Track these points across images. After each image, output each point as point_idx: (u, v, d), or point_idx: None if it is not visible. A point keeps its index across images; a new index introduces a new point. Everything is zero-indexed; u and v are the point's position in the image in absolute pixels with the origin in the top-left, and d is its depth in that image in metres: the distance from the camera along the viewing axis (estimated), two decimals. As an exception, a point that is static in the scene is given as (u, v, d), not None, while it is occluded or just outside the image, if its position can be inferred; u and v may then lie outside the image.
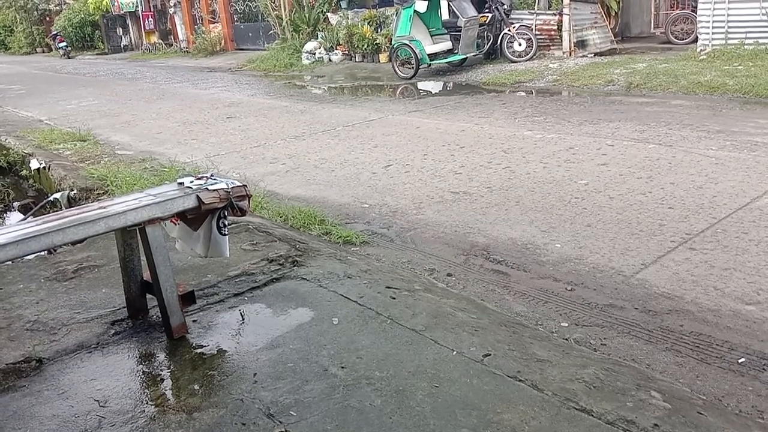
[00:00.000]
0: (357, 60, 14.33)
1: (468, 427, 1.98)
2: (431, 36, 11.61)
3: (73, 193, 5.50)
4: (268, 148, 6.83)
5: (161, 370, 2.48)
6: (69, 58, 26.25)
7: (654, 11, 12.64)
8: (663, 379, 2.40)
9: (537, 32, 11.34)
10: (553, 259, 3.59)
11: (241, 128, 8.08)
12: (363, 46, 14.01)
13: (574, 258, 3.57)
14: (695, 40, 10.21)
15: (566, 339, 2.73)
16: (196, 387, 2.31)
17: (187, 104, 10.50)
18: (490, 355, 2.39)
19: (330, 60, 14.67)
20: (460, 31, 10.98)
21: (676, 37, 11.38)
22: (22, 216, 6.00)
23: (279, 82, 12.86)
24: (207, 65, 17.48)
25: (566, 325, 2.92)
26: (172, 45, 23.69)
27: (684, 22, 11.32)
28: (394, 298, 2.93)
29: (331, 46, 14.87)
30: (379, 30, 14.02)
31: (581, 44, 11.15)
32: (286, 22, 16.26)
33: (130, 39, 26.96)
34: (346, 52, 14.58)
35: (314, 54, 14.92)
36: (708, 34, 9.57)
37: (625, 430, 1.95)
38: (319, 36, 15.33)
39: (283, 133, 7.59)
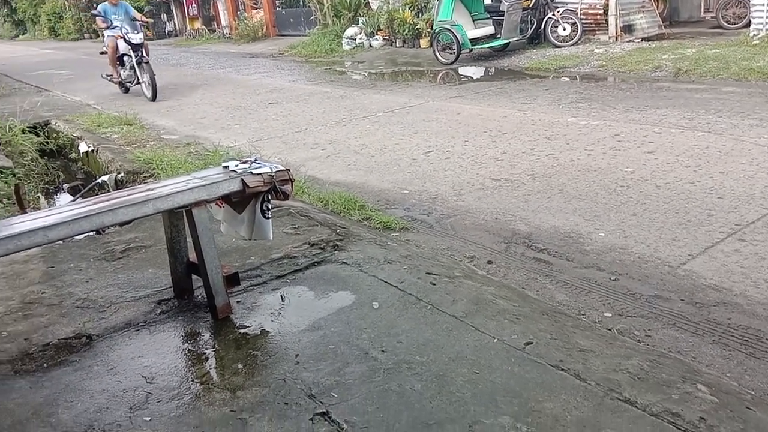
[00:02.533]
0: (397, 45, 14.26)
1: (509, 414, 1.97)
2: (473, 20, 11.47)
3: (120, 175, 5.64)
4: (308, 134, 6.87)
5: (206, 349, 2.54)
6: (115, 43, 26.73)
7: (705, -5, 12.22)
8: (709, 372, 2.34)
9: (582, 16, 11.09)
10: (597, 248, 3.54)
11: (283, 114, 8.14)
12: (403, 31, 13.92)
13: (618, 247, 3.51)
14: (748, 25, 9.84)
15: (609, 329, 2.69)
16: (240, 366, 2.35)
17: (230, 90, 10.62)
18: (531, 343, 2.37)
19: (370, 45, 14.63)
20: (502, 15, 10.81)
21: (727, 22, 10.98)
22: (71, 197, 6.18)
23: (320, 68, 12.90)
24: (249, 51, 17.63)
25: (610, 315, 2.87)
26: (215, 31, 23.97)
27: (736, 6, 10.91)
28: (434, 284, 2.93)
29: (372, 32, 14.83)
30: (420, 15, 13.91)
31: (628, 29, 10.87)
32: (327, 8, 16.27)
33: (175, 25, 27.38)
34: (387, 37, 14.52)
35: (355, 39, 14.90)
36: (762, 18, 9.21)
37: (671, 422, 1.91)
38: (360, 21, 15.30)
39: (324, 118, 7.62)
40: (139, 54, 9.82)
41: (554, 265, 3.41)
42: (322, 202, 4.44)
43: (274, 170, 2.73)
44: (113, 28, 9.99)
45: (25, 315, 2.89)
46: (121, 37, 9.80)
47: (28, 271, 3.38)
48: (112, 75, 10.77)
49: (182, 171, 5.10)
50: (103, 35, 11.11)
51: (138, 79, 10.14)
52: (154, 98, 9.77)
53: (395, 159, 5.62)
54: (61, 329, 2.74)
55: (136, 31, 9.74)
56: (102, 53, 10.82)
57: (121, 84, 10.68)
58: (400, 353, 2.35)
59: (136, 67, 9.96)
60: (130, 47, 9.77)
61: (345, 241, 3.51)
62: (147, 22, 10.52)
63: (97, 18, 10.32)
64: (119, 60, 10.37)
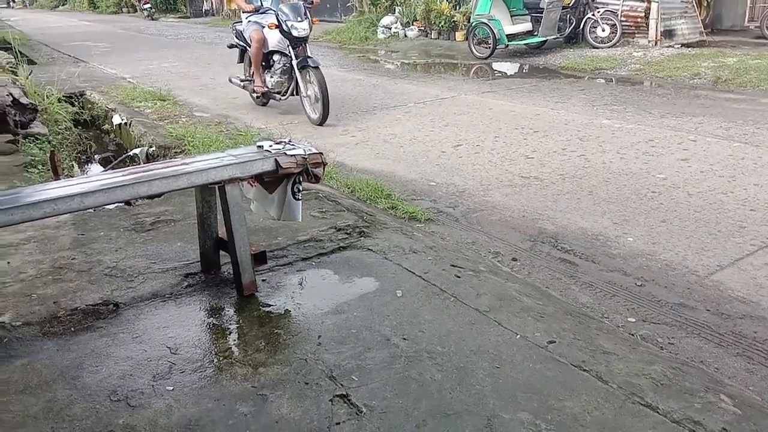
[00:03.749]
0: (432, 37, 14.18)
1: (528, 410, 1.97)
2: (511, 16, 11.36)
3: (152, 149, 5.71)
4: (339, 120, 6.87)
5: (230, 325, 2.57)
6: (152, 19, 27.03)
7: (750, 3, 11.95)
8: (732, 384, 2.32)
9: (622, 18, 10.92)
10: (624, 252, 3.50)
11: (314, 98, 8.15)
12: (440, 22, 13.84)
13: (646, 253, 3.47)
14: (793, 37, 9.62)
15: (633, 334, 2.67)
16: (263, 343, 2.38)
17: (263, 71, 10.65)
18: (554, 342, 2.36)
19: (405, 35, 14.57)
20: (541, 12, 10.69)
21: (772, 32, 10.75)
22: (102, 168, 6.27)
23: (353, 55, 12.89)
24: (283, 34, 17.65)
25: (633, 320, 2.85)
26: (251, 12, 24.01)
27: (783, 17, 10.67)
28: (458, 277, 2.93)
29: (408, 22, 14.76)
30: (457, 7, 13.81)
31: (668, 34, 10.68)
32: (365, -5, 16.18)
33: (212, 4, 27.52)
34: (422, 28, 14.44)
35: (390, 29, 14.85)
36: (809, 30, 8.99)
37: (692, 430, 1.89)
38: (396, 11, 15.23)
39: (355, 106, 7.62)
40: (303, 53, 6.65)
41: (579, 266, 3.39)
42: (349, 188, 4.45)
43: (307, 152, 2.75)
44: (263, 12, 6.79)
45: (54, 279, 2.95)
46: (276, 26, 6.49)
47: (59, 236, 3.45)
48: (251, 81, 7.31)
49: (213, 149, 5.15)
50: (233, 27, 7.74)
51: (295, 90, 6.84)
52: (322, 120, 6.54)
53: (424, 150, 5.61)
54: (89, 295, 2.79)
55: (299, 18, 6.44)
56: (232, 46, 7.72)
57: (264, 95, 7.24)
58: (422, 342, 2.36)
59: (297, 72, 6.63)
60: (288, 42, 6.61)
61: (371, 228, 3.51)
62: (317, 3, 7.01)
63: None
64: (265, 60, 7.07)
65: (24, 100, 5.62)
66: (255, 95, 7.47)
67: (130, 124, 6.66)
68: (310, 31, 6.68)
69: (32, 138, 5.65)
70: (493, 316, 2.55)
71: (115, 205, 3.83)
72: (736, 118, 6.25)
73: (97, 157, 6.78)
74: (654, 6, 10.44)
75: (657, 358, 2.35)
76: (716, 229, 3.72)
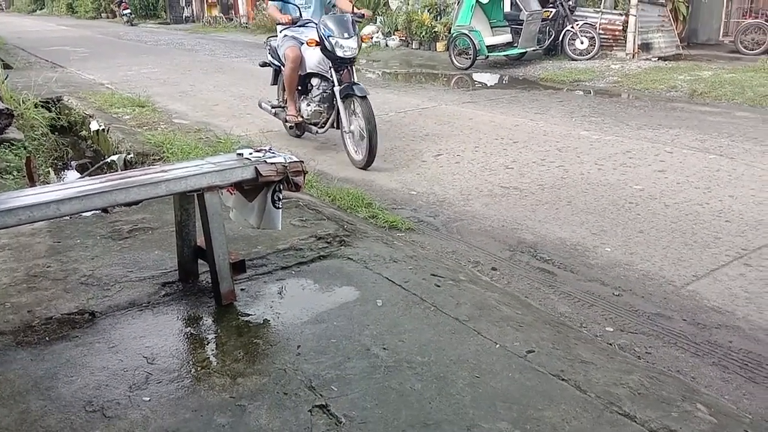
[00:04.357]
0: (414, 47, 14.27)
1: (508, 420, 1.97)
2: (491, 27, 11.48)
3: (129, 156, 5.65)
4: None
5: (208, 334, 2.54)
6: (132, 25, 26.85)
7: (725, 18, 12.22)
8: (708, 393, 2.34)
9: (601, 31, 11.09)
10: (602, 262, 3.54)
11: (295, 106, 8.13)
12: (421, 33, 13.93)
13: (623, 263, 3.51)
14: (766, 51, 9.83)
15: (610, 344, 2.69)
16: (241, 353, 2.36)
17: (244, 79, 10.63)
18: (533, 351, 2.37)
19: (387, 45, 14.64)
20: (521, 24, 10.81)
21: (745, 47, 10.96)
22: (79, 175, 6.20)
23: (334, 64, 12.90)
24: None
25: (611, 330, 2.87)
26: (232, 19, 24.00)
27: (756, 32, 10.89)
28: (438, 286, 2.93)
29: (389, 31, 14.84)
30: (438, 18, 13.91)
31: (646, 47, 10.86)
32: (346, 4, 16.22)
33: (192, 11, 27.42)
34: (404, 38, 14.53)
35: (371, 38, 14.91)
36: (781, 45, 9.20)
37: (668, 440, 1.91)
38: (378, 20, 15.30)
39: (336, 114, 7.61)
40: (348, 77, 5.42)
41: (558, 276, 3.42)
42: (329, 197, 4.45)
43: (287, 161, 2.74)
44: (302, 25, 5.59)
45: (29, 287, 2.90)
46: (316, 43, 5.28)
47: (34, 244, 3.39)
48: (284, 107, 6.10)
49: (192, 156, 5.11)
50: (267, 43, 6.47)
51: (336, 122, 5.59)
52: (367, 163, 5.29)
53: (405, 160, 5.62)
54: (65, 304, 2.74)
55: (346, 34, 5.16)
56: (265, 65, 6.62)
57: (298, 126, 6.09)
58: (402, 352, 2.36)
59: (338, 101, 5.35)
60: (330, 63, 5.34)
61: (351, 237, 3.51)
62: (368, 17, 6.14)
63: (269, 4, 5.79)
64: (302, 83, 5.85)
65: (-1, 105, 5.53)
66: (287, 125, 6.35)
67: (107, 131, 6.59)
68: (359, 51, 5.47)
69: (7, 144, 5.56)
70: (472, 325, 2.56)
71: (92, 212, 3.78)
72: (712, 130, 6.36)
73: (74, 163, 6.70)
74: (632, 19, 10.61)
75: (634, 367, 2.37)
76: (692, 239, 3.78)
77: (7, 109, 5.64)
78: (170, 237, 3.23)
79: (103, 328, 2.56)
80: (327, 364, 2.28)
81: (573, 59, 10.97)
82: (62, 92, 8.66)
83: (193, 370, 2.27)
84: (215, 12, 25.17)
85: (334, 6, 5.80)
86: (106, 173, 4.53)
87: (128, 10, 27.63)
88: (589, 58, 10.86)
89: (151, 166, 3.23)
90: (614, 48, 11.16)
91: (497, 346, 2.41)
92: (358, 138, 5.34)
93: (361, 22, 5.48)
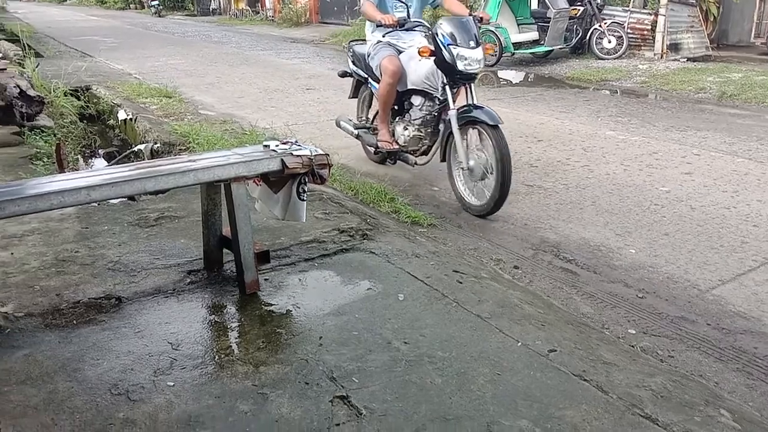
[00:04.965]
0: (439, 43, 14.21)
1: (528, 418, 1.97)
2: (518, 24, 11.39)
3: (156, 146, 5.71)
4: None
5: (232, 322, 2.57)
6: (159, 16, 27.11)
7: (756, 20, 12.00)
8: (732, 399, 2.32)
9: (629, 30, 10.95)
10: (626, 264, 3.51)
11: (319, 100, 8.18)
12: (447, 29, 13.86)
13: (648, 265, 3.48)
14: (799, 54, 9.64)
15: (633, 346, 2.67)
16: (264, 342, 2.38)
17: (269, 72, 10.69)
18: (555, 351, 2.37)
19: (412, 41, 14.59)
20: (548, 22, 10.72)
21: (777, 49, 10.78)
22: (106, 163, 6.28)
23: (359, 58, 12.91)
24: (291, 36, 17.71)
25: (634, 332, 2.85)
26: (258, 13, 24.10)
27: (789, 34, 10.70)
28: (460, 283, 2.93)
29: (415, 27, 14.78)
30: (464, 15, 13.83)
31: (674, 47, 10.71)
32: (373, -1, 16.17)
33: (219, 3, 27.60)
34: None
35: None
36: (815, 48, 9.02)
37: (690, 443, 1.90)
38: (404, 15, 15.25)
39: (360, 108, 7.62)
40: (469, 98, 4.29)
41: (581, 276, 3.40)
42: (352, 191, 4.46)
43: (313, 153, 2.75)
44: (407, 29, 4.45)
45: (58, 271, 2.96)
46: (430, 53, 4.15)
47: (63, 229, 3.46)
48: (371, 129, 5.10)
49: (218, 147, 5.16)
50: (350, 48, 5.24)
51: (443, 153, 4.46)
52: (491, 209, 4.12)
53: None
54: (92, 289, 2.79)
55: (473, 43, 4.08)
56: (345, 75, 5.47)
57: (391, 154, 4.84)
58: (423, 347, 2.36)
59: (454, 129, 4.17)
60: (443, 78, 4.26)
61: (374, 231, 3.52)
62: (487, 20, 4.53)
63: (364, 1, 4.54)
64: (397, 101, 4.75)
65: (31, 93, 5.63)
66: (375, 151, 5.07)
67: (135, 120, 6.67)
68: (483, 64, 4.24)
69: (38, 130, 5.66)
70: (494, 322, 2.56)
71: (119, 200, 3.84)
72: (740, 133, 6.26)
73: (101, 151, 6.80)
74: (661, 19, 10.47)
75: (657, 370, 2.35)
76: (718, 243, 3.73)
77: (39, 96, 5.74)
78: (196, 226, 3.28)
79: (129, 314, 2.60)
80: (348, 355, 2.29)
81: (600, 58, 10.86)
82: (91, 81, 8.79)
83: (216, 357, 2.30)
84: (242, 5, 25.31)
85: (437, 7, 4.89)
86: (132, 162, 4.60)
87: (156, 1, 27.91)
88: (617, 58, 10.74)
89: (179, 156, 3.27)
90: (642, 48, 11.03)
91: (519, 344, 2.40)
92: (479, 177, 4.16)
93: (482, 23, 4.35)
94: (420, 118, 4.59)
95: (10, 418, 1.96)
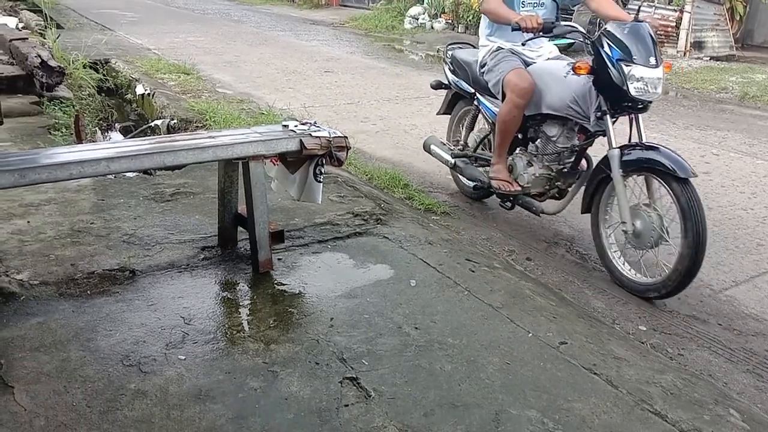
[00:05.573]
0: (459, 30, 14.10)
1: (537, 408, 1.97)
2: (540, 16, 11.25)
3: (173, 122, 5.73)
4: (360, 107, 6.87)
5: (244, 300, 2.59)
6: (180, -8, 27.02)
7: (784, 21, 11.80)
8: (741, 400, 2.31)
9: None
10: (640, 260, 3.48)
11: (337, 84, 8.15)
12: (468, 17, 13.74)
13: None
14: (825, 58, 9.48)
15: (643, 342, 2.66)
16: (275, 321, 2.40)
17: (288, 53, 10.66)
18: (566, 343, 2.36)
19: (432, 27, 14.50)
20: (571, 14, 10.58)
21: (803, 52, 10.60)
22: (122, 136, 6.31)
23: (378, 43, 12.85)
24: (310, 17, 17.62)
25: (644, 329, 2.84)
26: (278, -7, 23.97)
27: (816, 37, 10.52)
28: (473, 271, 2.93)
29: (436, 14, 14.68)
30: (486, 3, 13.69)
31: (698, 45, 10.57)
32: (395, -17, 16.00)
33: (239, -18, 27.45)
34: (450, 21, 14.36)
35: (417, 19, 14.78)
36: (842, 52, 8.87)
37: (699, 442, 1.90)
38: (425, 1, 15.15)
39: (377, 94, 7.61)
40: (637, 133, 3.45)
41: (593, 271, 3.38)
42: (367, 175, 4.46)
43: (332, 135, 2.75)
44: (551, 36, 3.46)
45: (73, 242, 2.98)
46: (588, 69, 3.18)
47: (79, 200, 3.48)
48: (477, 160, 4.01)
49: (235, 126, 5.16)
50: (448, 55, 4.28)
51: (589, 203, 3.37)
52: (675, 289, 2.94)
53: (445, 143, 5.58)
54: (107, 260, 2.81)
55: (653, 60, 3.03)
56: (439, 87, 4.46)
57: (502, 196, 3.72)
58: (434, 333, 2.37)
59: (616, 173, 3.16)
60: (603, 104, 3.23)
61: (388, 216, 3.52)
62: (656, 28, 3.37)
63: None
64: (520, 129, 3.62)
65: (52, 63, 5.65)
66: (474, 186, 4.03)
67: (152, 95, 6.68)
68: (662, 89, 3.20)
69: (57, 101, 5.68)
70: (506, 312, 2.56)
71: (136, 174, 3.86)
72: (761, 135, 6.19)
73: (118, 125, 6.82)
74: (686, 16, 10.32)
75: (667, 367, 2.35)
76: (734, 244, 3.70)
77: (60, 67, 5.76)
78: (211, 203, 3.29)
79: (143, 287, 2.62)
80: (359, 338, 2.30)
81: (622, 53, 10.72)
82: (110, 55, 8.80)
83: (228, 333, 2.32)
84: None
85: (579, 9, 3.50)
86: (149, 136, 4.61)
87: (177, -22, 27.83)
88: (639, 54, 10.60)
89: (198, 132, 3.28)
90: (665, 44, 10.87)
91: (530, 335, 2.40)
92: (646, 244, 3.08)
93: (657, 32, 3.38)
94: (554, 153, 3.50)
95: (23, 384, 1.99)
